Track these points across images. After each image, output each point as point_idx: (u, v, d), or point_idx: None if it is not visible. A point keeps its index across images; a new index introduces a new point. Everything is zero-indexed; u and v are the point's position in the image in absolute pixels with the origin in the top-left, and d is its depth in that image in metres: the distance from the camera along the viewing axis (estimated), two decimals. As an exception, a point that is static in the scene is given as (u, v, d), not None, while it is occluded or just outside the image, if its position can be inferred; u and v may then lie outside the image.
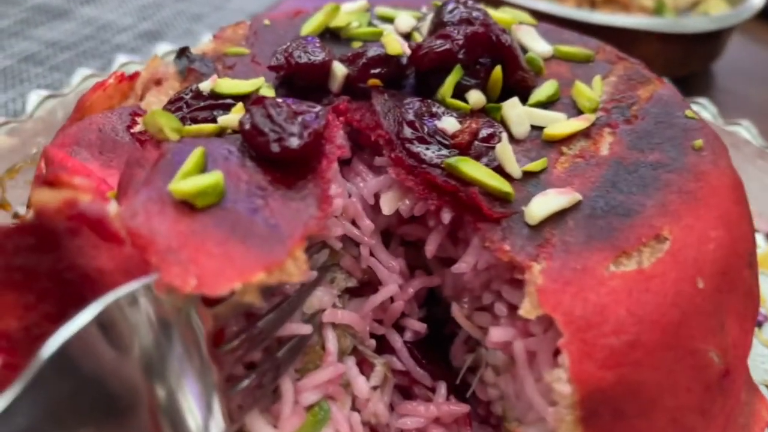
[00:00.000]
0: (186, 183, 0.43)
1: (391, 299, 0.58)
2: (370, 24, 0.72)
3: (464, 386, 0.58)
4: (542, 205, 0.50)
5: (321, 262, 0.54)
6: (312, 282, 0.52)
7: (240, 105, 0.54)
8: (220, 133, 0.51)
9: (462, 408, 0.56)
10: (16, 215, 0.77)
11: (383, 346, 0.59)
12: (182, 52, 0.65)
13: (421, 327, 0.60)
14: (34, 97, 0.83)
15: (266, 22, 0.72)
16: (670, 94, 0.64)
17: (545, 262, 0.47)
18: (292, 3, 1.39)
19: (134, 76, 0.65)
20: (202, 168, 0.46)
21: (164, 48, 0.98)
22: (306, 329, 0.51)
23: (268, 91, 0.59)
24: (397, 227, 0.59)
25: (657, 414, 0.47)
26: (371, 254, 0.57)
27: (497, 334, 0.49)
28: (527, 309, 0.45)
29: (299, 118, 0.50)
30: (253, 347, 0.48)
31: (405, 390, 0.60)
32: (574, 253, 0.47)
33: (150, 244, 0.40)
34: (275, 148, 0.48)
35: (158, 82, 0.65)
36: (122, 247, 0.40)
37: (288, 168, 0.49)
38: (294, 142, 0.48)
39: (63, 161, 0.52)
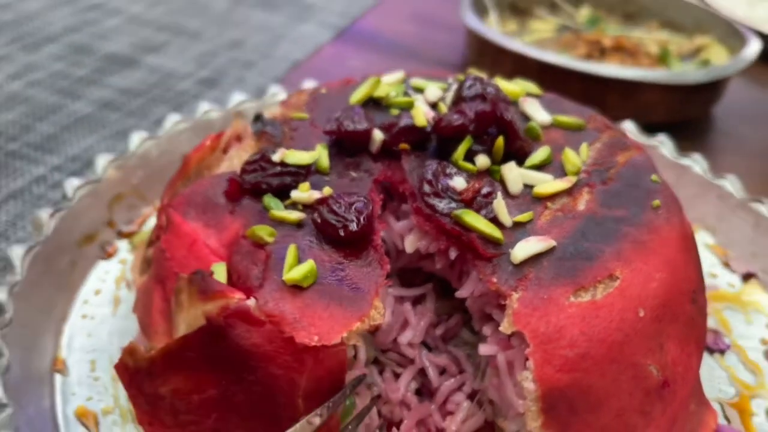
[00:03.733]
0: (293, 273, 0.63)
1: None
2: (405, 93, 0.90)
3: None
4: (524, 249, 0.66)
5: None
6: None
7: (306, 185, 0.72)
8: (300, 223, 0.69)
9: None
10: (119, 233, 0.98)
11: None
12: (258, 118, 0.84)
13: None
14: (136, 138, 1.04)
15: (323, 90, 0.91)
16: (642, 160, 0.79)
17: (521, 293, 0.63)
18: (330, 50, 1.58)
19: (220, 135, 0.84)
20: (298, 259, 0.65)
21: (237, 98, 1.18)
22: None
23: (323, 153, 0.77)
24: (417, 262, 0.76)
25: (603, 411, 0.62)
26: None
27: (483, 348, 0.66)
28: (505, 326, 0.62)
29: (353, 207, 0.68)
30: None
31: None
32: (544, 286, 0.63)
33: (282, 320, 0.60)
34: (342, 233, 0.67)
35: (238, 138, 0.85)
36: (264, 326, 0.60)
37: (353, 244, 0.68)
38: (354, 227, 0.67)
39: (179, 226, 0.72)
